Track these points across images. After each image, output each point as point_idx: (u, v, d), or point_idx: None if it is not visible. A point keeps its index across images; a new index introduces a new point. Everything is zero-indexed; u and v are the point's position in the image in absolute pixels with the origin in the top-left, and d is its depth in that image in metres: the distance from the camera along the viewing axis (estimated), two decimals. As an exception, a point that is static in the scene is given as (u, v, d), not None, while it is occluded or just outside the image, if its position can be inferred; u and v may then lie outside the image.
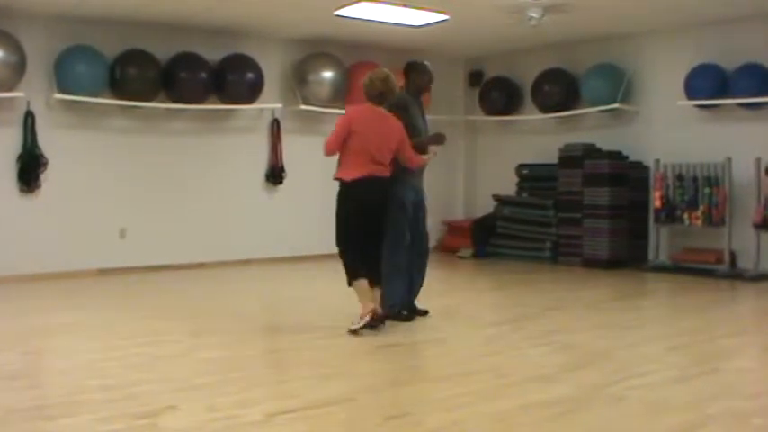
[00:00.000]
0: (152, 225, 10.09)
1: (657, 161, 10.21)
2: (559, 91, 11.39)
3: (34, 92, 9.21)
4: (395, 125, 6.38)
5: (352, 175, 6.24)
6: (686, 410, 4.22)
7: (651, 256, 10.37)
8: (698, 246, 10.14)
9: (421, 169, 6.71)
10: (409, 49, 11.02)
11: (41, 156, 9.23)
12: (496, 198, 11.80)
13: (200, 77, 10.00)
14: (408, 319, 6.61)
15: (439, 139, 6.77)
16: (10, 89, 8.92)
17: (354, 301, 6.28)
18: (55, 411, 4.20)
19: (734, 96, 9.56)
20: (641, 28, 10.37)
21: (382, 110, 6.40)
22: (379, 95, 6.36)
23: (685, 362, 5.41)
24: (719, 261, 9.67)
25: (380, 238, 6.46)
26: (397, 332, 6.32)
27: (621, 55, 10.87)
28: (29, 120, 9.20)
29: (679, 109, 10.18)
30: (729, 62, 9.64)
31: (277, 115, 10.99)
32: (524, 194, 11.66)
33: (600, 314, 7.37)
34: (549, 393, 4.56)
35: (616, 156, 10.61)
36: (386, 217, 6.46)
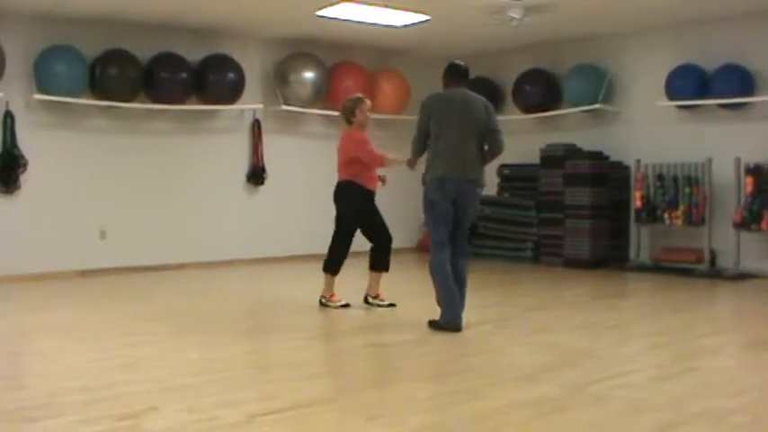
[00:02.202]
0: (133, 226, 10.05)
1: (638, 161, 10.27)
2: (541, 91, 11.42)
3: (13, 92, 9.15)
4: (345, 140, 7.42)
5: None
6: (667, 409, 4.24)
7: (632, 255, 10.43)
8: (678, 245, 10.19)
9: (450, 162, 6.33)
10: (390, 49, 11.05)
11: (21, 156, 9.17)
12: (478, 198, 11.80)
13: (180, 78, 9.97)
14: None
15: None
16: (-11, 89, 8.87)
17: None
18: (36, 413, 4.17)
19: (714, 97, 9.62)
20: (622, 28, 10.41)
21: (348, 129, 7.45)
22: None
23: (666, 361, 5.44)
24: (700, 260, 9.73)
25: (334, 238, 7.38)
26: (378, 333, 6.32)
27: (602, 55, 10.91)
28: (8, 120, 9.14)
29: (660, 109, 10.24)
30: (710, 63, 9.70)
31: (258, 116, 10.96)
32: (506, 194, 11.69)
33: (581, 314, 7.39)
34: (532, 393, 4.57)
35: (597, 156, 10.64)
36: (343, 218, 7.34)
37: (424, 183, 6.47)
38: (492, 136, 6.44)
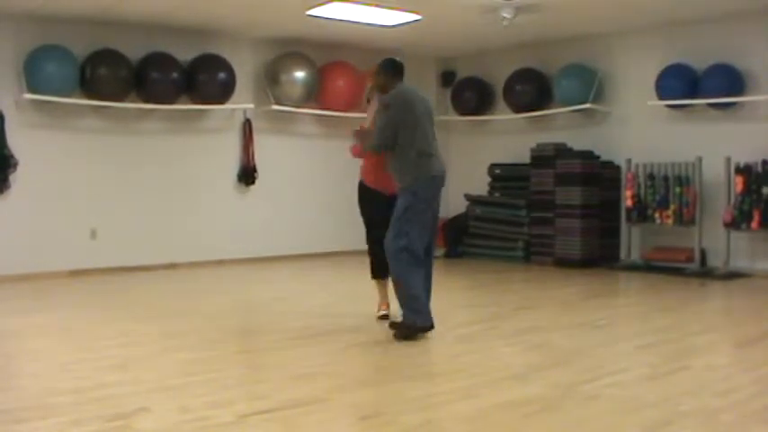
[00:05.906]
0: (123, 226, 10.02)
1: (629, 161, 10.29)
2: (531, 91, 11.44)
3: (4, 92, 9.13)
4: None
5: None
6: (658, 408, 4.25)
7: (623, 254, 10.46)
8: (669, 244, 10.22)
9: (437, 160, 6.08)
10: (381, 49, 10.99)
11: (11, 156, 9.13)
12: (469, 198, 11.82)
13: (171, 77, 9.94)
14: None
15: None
16: (-22, 89, 8.84)
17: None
18: (26, 414, 4.16)
19: (704, 96, 9.64)
20: (613, 28, 10.43)
21: None
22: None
23: (657, 360, 5.44)
24: (690, 259, 9.76)
25: None
26: (368, 333, 6.31)
27: (593, 55, 10.93)
28: (-2, 120, 9.12)
29: (650, 109, 10.27)
30: (700, 62, 9.73)
31: (249, 115, 10.94)
32: (497, 194, 11.70)
33: (572, 313, 7.40)
34: (523, 392, 4.57)
35: (588, 155, 10.65)
36: None
37: (409, 184, 5.95)
38: None
